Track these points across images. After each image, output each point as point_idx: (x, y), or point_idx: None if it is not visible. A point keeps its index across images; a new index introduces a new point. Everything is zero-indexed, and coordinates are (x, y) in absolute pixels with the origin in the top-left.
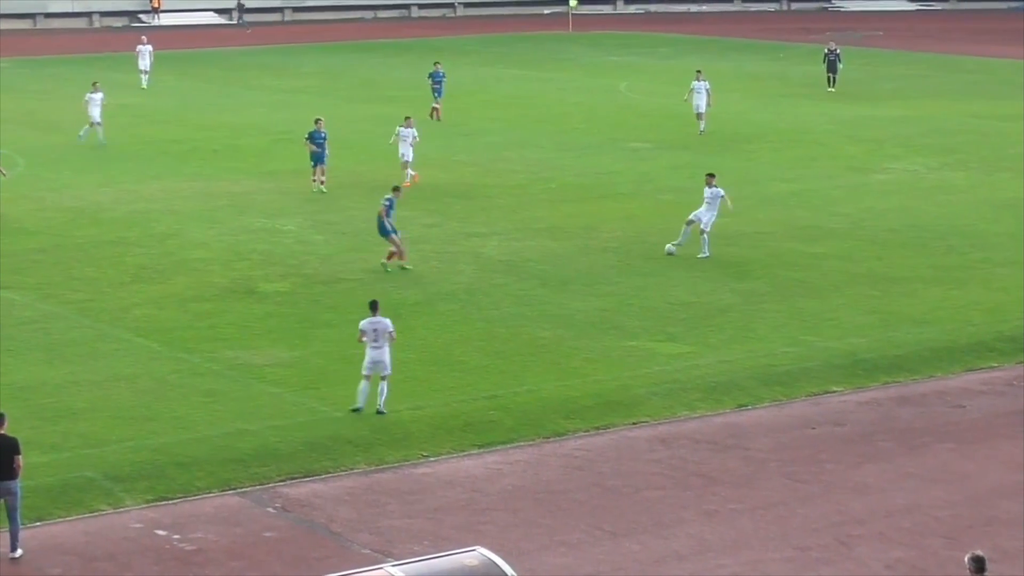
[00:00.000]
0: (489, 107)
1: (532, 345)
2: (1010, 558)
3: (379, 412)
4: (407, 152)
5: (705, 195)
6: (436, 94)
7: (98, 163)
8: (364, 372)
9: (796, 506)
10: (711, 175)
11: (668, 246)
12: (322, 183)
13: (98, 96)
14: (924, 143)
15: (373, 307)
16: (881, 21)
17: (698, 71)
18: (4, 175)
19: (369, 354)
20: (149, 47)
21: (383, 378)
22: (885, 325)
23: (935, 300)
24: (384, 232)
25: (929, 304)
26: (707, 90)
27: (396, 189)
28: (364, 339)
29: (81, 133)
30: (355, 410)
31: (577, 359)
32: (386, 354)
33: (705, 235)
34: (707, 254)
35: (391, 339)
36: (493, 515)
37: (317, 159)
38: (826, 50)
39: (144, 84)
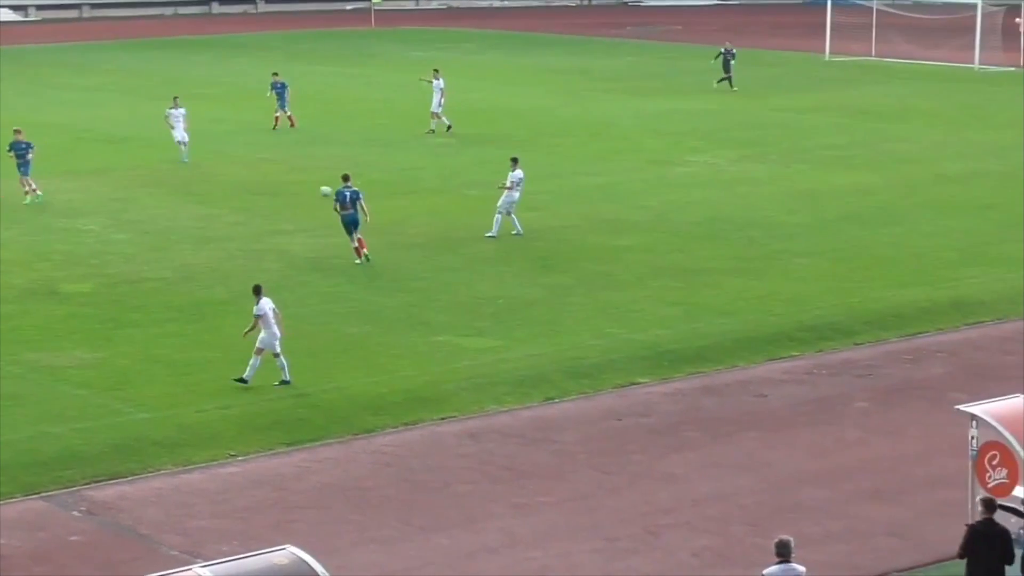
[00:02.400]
0: (293, 104)
1: (340, 342)
2: (814, 543)
3: (285, 382)
4: (182, 135)
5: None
6: (280, 104)
7: None
8: (261, 346)
9: (604, 497)
10: (514, 159)
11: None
12: (35, 192)
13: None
14: (724, 136)
15: (258, 291)
16: (680, 15)
17: (435, 69)
18: None
19: (271, 331)
20: None
21: (276, 355)
22: (689, 316)
23: (737, 291)
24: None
25: (731, 295)
26: (442, 89)
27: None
28: (262, 323)
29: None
30: (242, 380)
31: (385, 355)
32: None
33: (503, 216)
34: (494, 233)
35: (278, 316)
36: (303, 513)
37: (23, 169)
38: (722, 50)
39: None
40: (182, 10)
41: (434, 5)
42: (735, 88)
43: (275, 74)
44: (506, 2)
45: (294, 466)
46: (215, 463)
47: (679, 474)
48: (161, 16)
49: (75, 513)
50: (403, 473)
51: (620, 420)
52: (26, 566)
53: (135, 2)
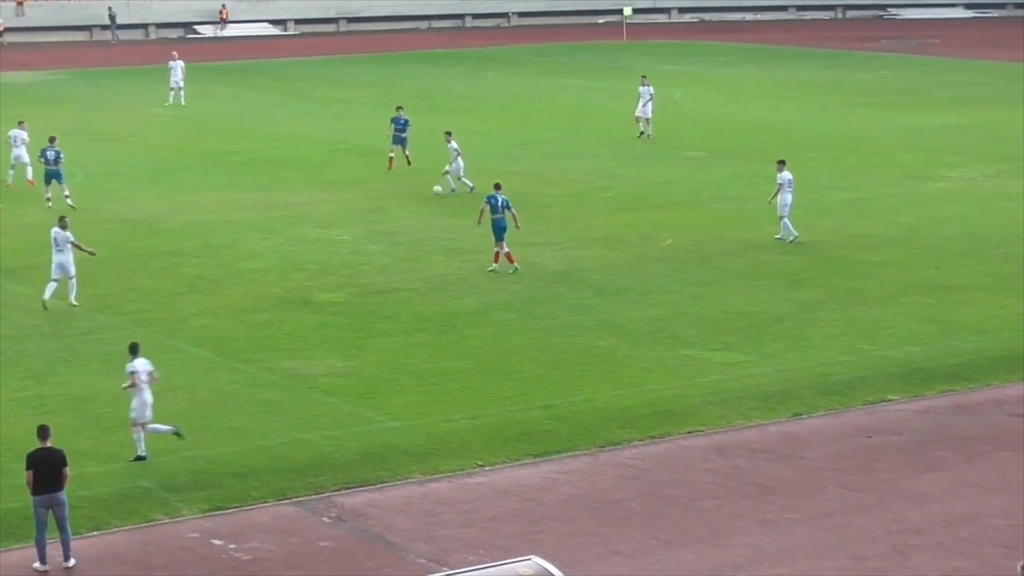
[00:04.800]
0: (545, 116)
1: (587, 354)
2: None
3: (140, 458)
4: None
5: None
6: (398, 142)
7: (155, 174)
8: (134, 416)
9: (852, 515)
10: (781, 161)
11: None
12: (66, 197)
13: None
14: (981, 151)
15: (134, 350)
16: (936, 29)
17: (643, 76)
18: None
19: (140, 397)
20: (180, 63)
21: (143, 426)
22: (942, 334)
23: (993, 308)
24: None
25: (986, 313)
26: (651, 94)
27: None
28: (136, 381)
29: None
30: (139, 458)
31: (632, 368)
32: (149, 395)
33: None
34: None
35: (154, 380)
36: (548, 524)
37: (53, 176)
38: None
39: (171, 100)
40: (436, 24)
41: (686, 19)
42: None
43: (399, 108)
44: (759, 15)
45: (540, 477)
46: (462, 473)
47: (930, 493)
48: (416, 30)
49: (325, 519)
50: (649, 487)
51: (870, 437)
52: (278, 570)
53: (390, 16)
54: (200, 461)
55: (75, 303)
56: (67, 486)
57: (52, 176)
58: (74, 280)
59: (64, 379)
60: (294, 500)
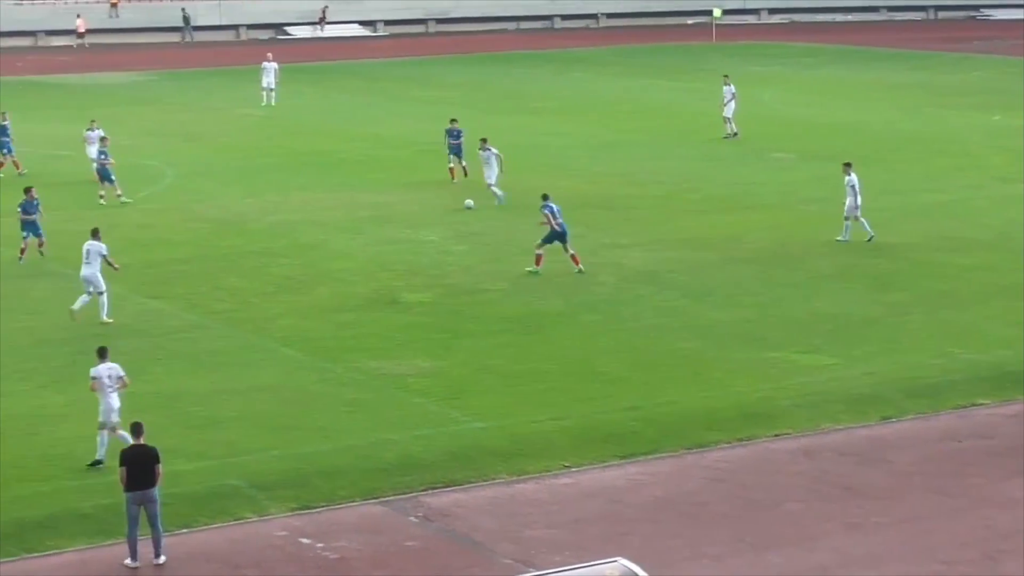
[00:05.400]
0: (632, 118)
1: (674, 356)
2: None
3: (97, 462)
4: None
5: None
6: (454, 152)
7: (244, 175)
8: (101, 419)
9: (942, 520)
10: (847, 164)
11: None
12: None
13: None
14: None
15: (102, 354)
16: None
17: (725, 75)
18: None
19: (105, 401)
20: (275, 64)
21: (113, 430)
22: None
23: None
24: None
25: None
26: (733, 94)
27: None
28: (97, 386)
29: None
30: (96, 463)
31: (719, 370)
32: (115, 400)
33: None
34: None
35: (123, 385)
36: (635, 526)
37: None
38: None
39: (265, 102)
40: (524, 25)
41: (775, 20)
42: None
43: (453, 120)
44: (849, 16)
45: (627, 479)
46: (549, 474)
47: (1021, 499)
48: (504, 31)
49: (412, 519)
50: (735, 489)
51: (960, 442)
52: (365, 569)
53: (479, 17)
54: (288, 460)
55: (107, 320)
56: (159, 483)
57: (104, 176)
58: (104, 296)
59: (154, 378)
60: (381, 500)
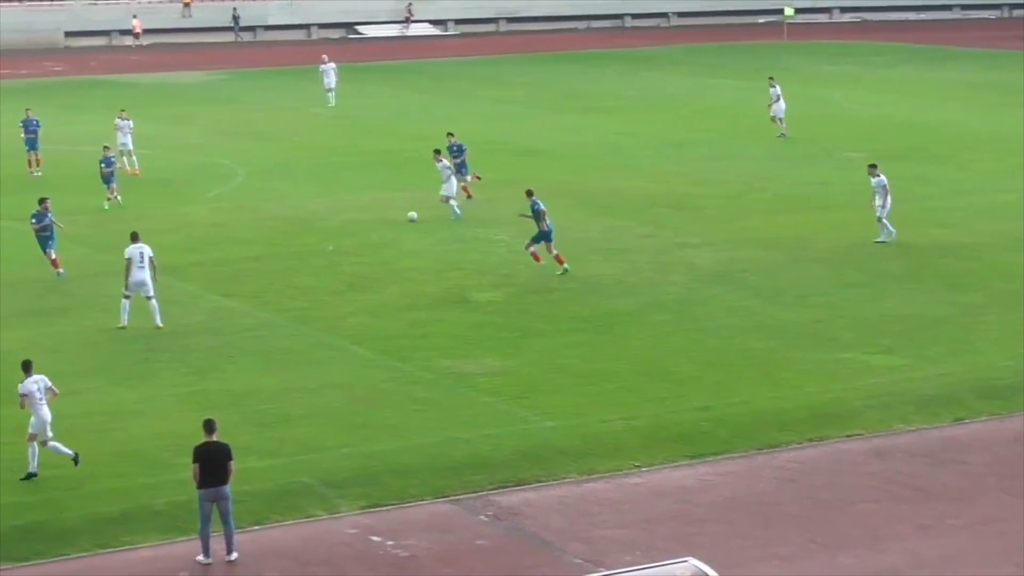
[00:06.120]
0: (701, 117)
1: (744, 356)
2: None
3: (31, 475)
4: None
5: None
6: (461, 170)
7: (314, 173)
8: (33, 431)
9: (1016, 522)
10: (872, 165)
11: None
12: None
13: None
14: None
15: (27, 368)
16: None
17: (770, 77)
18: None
19: (38, 414)
20: (332, 65)
21: (44, 443)
22: None
23: None
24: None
25: None
26: (779, 95)
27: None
28: (28, 402)
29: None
30: (30, 476)
31: (790, 371)
32: (48, 412)
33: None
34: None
35: (53, 395)
36: (705, 526)
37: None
38: None
39: (332, 103)
40: (595, 24)
41: (847, 18)
42: None
43: (450, 134)
44: (921, 15)
45: (697, 479)
46: (619, 473)
47: None
48: (574, 30)
49: (482, 517)
50: (806, 490)
51: None
52: (434, 567)
53: (549, 16)
54: (358, 458)
55: (161, 325)
56: (231, 480)
57: (107, 180)
58: (154, 300)
59: (226, 375)
60: (451, 498)
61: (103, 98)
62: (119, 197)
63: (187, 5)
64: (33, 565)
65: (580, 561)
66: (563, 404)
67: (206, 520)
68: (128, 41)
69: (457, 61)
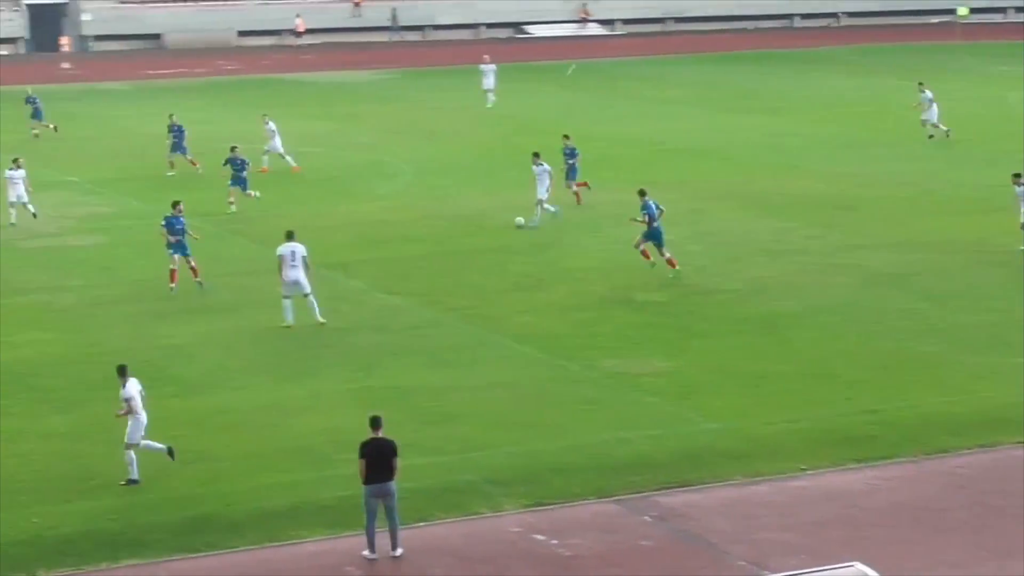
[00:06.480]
0: (872, 118)
1: (915, 360)
2: None
3: (132, 481)
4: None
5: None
6: (570, 174)
7: (481, 172)
8: (134, 440)
9: None
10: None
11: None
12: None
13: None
14: None
15: (123, 372)
16: None
17: (920, 82)
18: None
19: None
20: (493, 66)
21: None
22: None
23: None
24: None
25: None
26: (930, 100)
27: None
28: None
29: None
30: (131, 482)
31: (962, 375)
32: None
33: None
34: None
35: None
36: (871, 531)
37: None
38: None
39: (490, 103)
40: (763, 24)
41: (1023, 18)
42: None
43: (566, 136)
44: None
45: (864, 483)
46: (783, 476)
47: None
48: (743, 30)
49: (646, 518)
50: (976, 496)
51: None
52: (597, 567)
53: (717, 16)
54: (521, 456)
55: (322, 320)
56: (397, 477)
57: (237, 182)
58: (311, 296)
59: (390, 372)
60: (615, 498)
61: (273, 96)
62: (255, 193)
63: (357, 5)
64: (204, 556)
65: (744, 564)
66: (727, 406)
67: (372, 516)
68: (305, 40)
69: (624, 61)
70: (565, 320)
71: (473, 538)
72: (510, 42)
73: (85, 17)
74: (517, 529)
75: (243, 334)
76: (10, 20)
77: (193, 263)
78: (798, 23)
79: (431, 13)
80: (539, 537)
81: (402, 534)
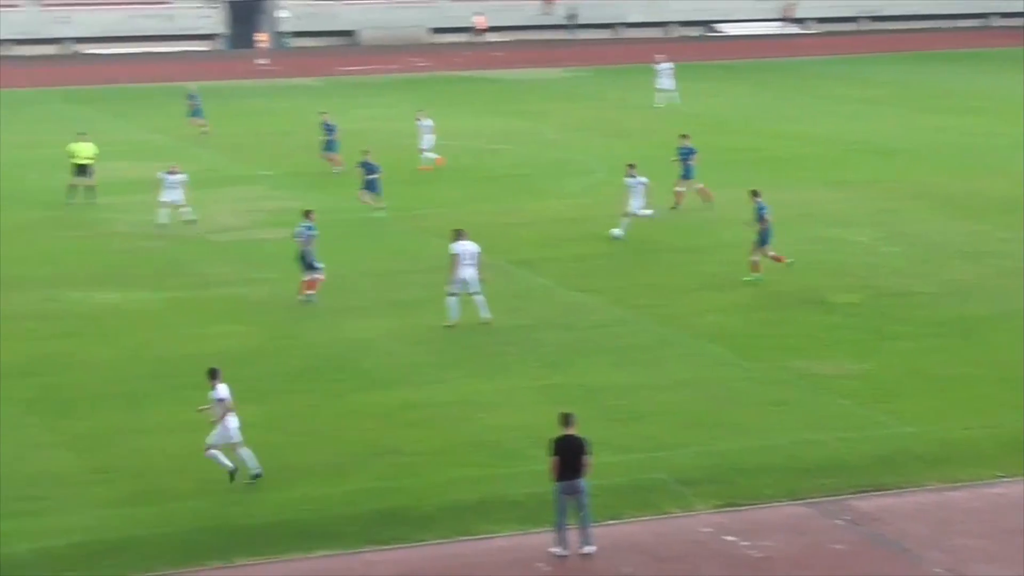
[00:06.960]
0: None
1: None
2: None
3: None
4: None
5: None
6: (685, 173)
7: (670, 170)
8: (232, 441)
9: None
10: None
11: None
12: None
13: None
14: None
15: (215, 375)
16: None
17: None
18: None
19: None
20: (669, 65)
21: (209, 448)
22: None
23: None
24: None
25: None
26: None
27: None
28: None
29: None
30: (256, 476)
31: None
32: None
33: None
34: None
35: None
36: None
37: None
38: None
39: (658, 103)
40: (959, 23)
41: None
42: None
43: (684, 136)
44: None
45: None
46: (980, 482)
47: None
48: (938, 29)
49: (838, 522)
50: None
51: None
52: (790, 570)
53: (912, 15)
54: (711, 456)
55: (489, 317)
56: (588, 474)
57: (369, 185)
58: (479, 296)
59: (578, 370)
60: (806, 500)
61: (467, 93)
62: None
63: (548, 2)
64: (394, 549)
65: (940, 571)
66: (922, 409)
67: (562, 512)
68: (486, 38)
69: (816, 60)
70: (753, 320)
71: (664, 537)
72: (701, 40)
73: (283, 14)
74: (708, 529)
75: (433, 330)
76: (209, 17)
77: (315, 280)
78: (996, 22)
79: (621, 12)
80: (730, 538)
81: (593, 531)
